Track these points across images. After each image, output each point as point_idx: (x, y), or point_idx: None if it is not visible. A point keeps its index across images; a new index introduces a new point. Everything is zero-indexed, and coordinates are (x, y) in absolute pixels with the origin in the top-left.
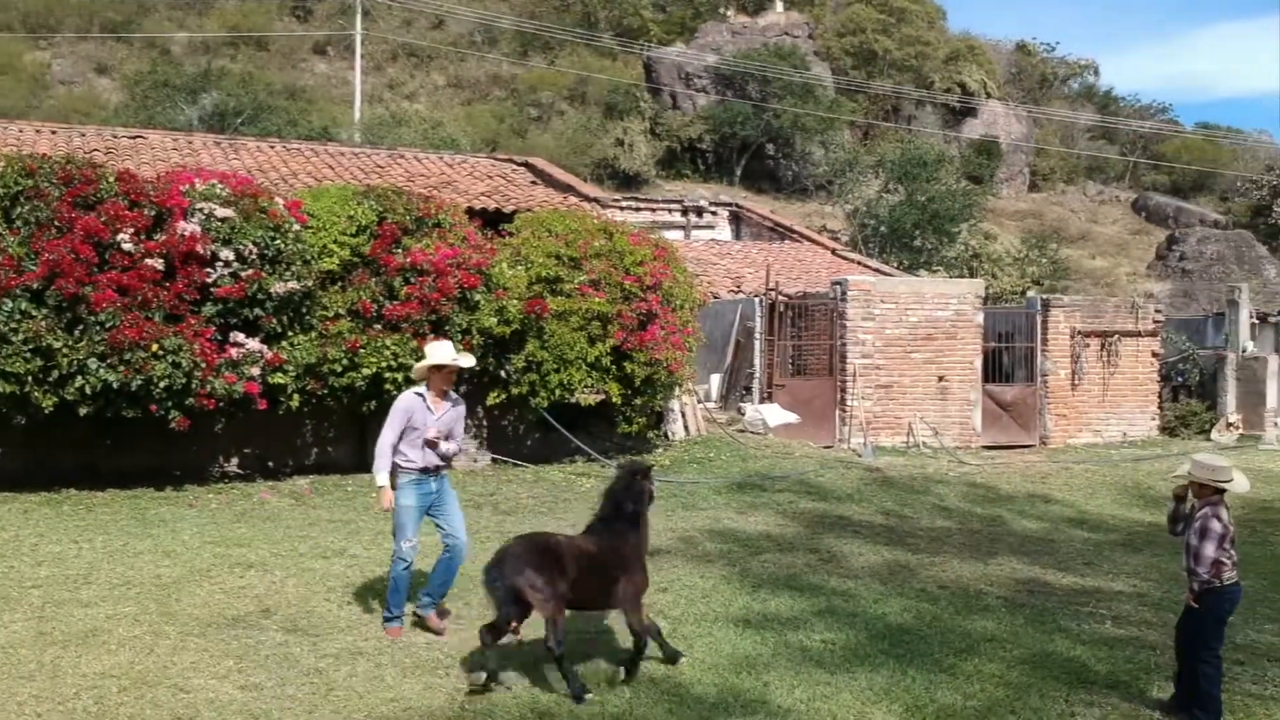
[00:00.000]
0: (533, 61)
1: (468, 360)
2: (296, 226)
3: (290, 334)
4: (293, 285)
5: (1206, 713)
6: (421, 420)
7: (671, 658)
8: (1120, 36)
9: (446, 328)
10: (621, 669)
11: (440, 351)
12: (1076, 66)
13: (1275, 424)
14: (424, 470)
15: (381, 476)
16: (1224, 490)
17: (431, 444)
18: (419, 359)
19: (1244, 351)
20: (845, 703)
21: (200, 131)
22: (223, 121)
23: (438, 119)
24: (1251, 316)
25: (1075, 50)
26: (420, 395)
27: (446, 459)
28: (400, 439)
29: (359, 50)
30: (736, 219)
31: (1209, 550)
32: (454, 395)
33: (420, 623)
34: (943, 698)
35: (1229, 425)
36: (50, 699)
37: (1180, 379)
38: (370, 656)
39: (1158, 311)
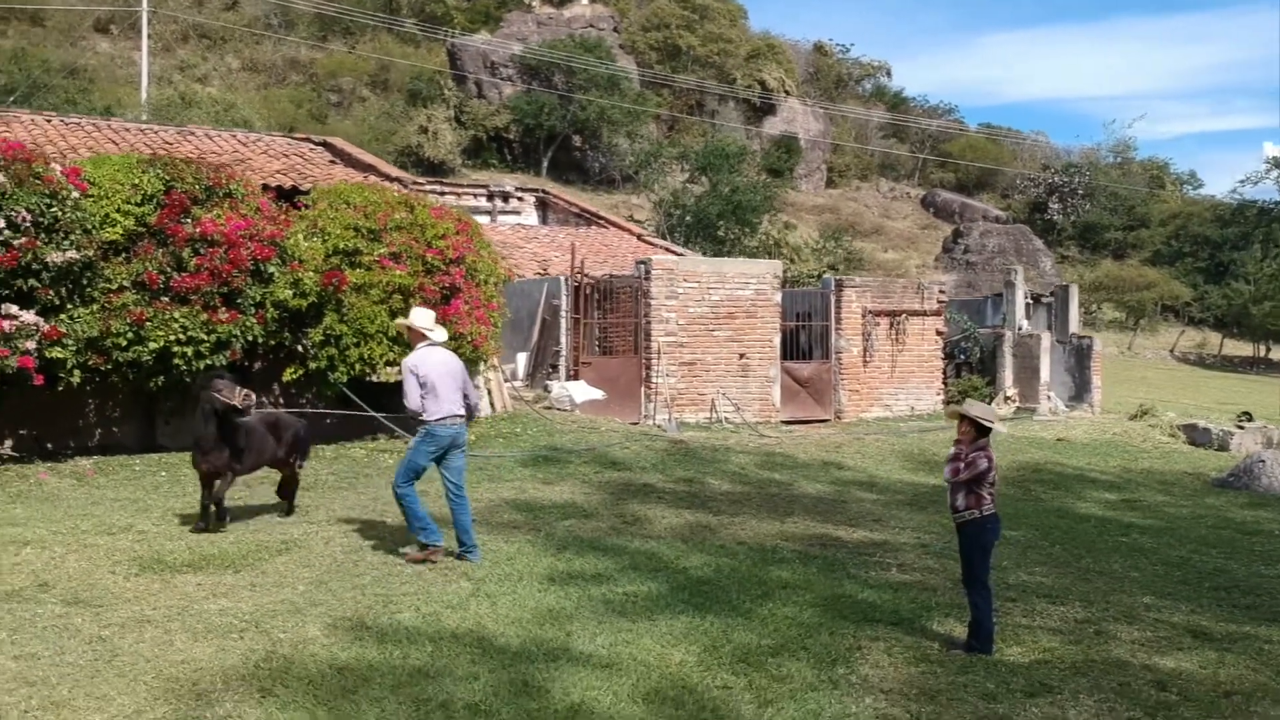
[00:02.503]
0: (332, 46)
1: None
2: (75, 194)
3: (70, 306)
4: (72, 255)
5: (978, 639)
6: None
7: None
8: (911, 41)
9: (239, 300)
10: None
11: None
12: (870, 68)
13: (1048, 397)
14: None
15: None
16: (988, 432)
17: None
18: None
19: (1020, 330)
20: (646, 646)
21: None
22: None
23: (231, 100)
24: (1026, 297)
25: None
26: None
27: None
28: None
29: (145, 29)
30: (543, 205)
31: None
32: None
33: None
34: (739, 638)
35: (1007, 398)
36: None
37: (962, 356)
38: (159, 624)
39: (941, 292)
